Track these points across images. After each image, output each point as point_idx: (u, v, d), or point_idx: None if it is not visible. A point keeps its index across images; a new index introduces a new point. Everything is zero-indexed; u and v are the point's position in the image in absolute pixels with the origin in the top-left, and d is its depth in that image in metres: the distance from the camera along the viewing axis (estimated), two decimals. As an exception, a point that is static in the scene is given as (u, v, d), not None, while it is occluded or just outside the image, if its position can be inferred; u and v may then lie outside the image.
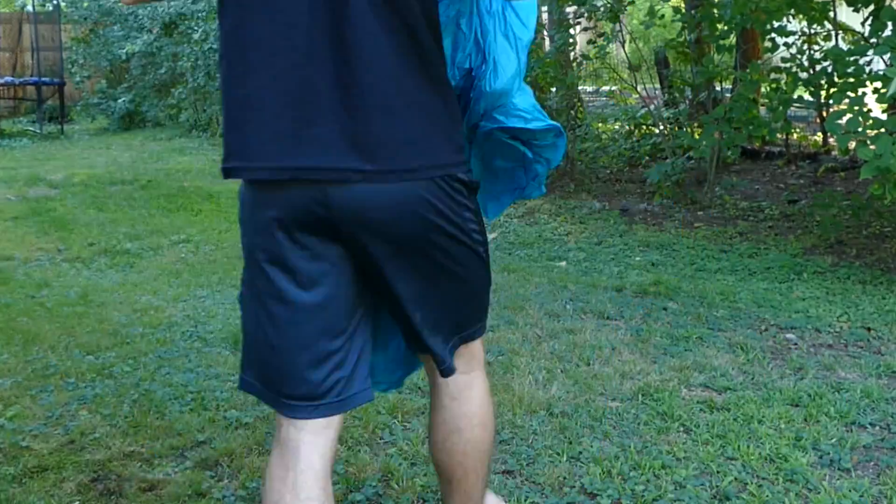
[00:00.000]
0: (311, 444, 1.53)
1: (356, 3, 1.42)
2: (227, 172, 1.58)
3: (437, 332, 1.63)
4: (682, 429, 2.48)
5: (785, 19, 5.47)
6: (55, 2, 15.36)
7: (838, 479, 2.19)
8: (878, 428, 2.50)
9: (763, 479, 2.18)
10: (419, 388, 2.77)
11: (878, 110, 4.66)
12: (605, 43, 7.13)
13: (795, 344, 3.27)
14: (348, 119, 1.44)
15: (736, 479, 2.18)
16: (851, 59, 4.53)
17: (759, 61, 6.70)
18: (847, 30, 6.30)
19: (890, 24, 4.55)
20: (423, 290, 1.58)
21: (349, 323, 1.55)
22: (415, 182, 1.47)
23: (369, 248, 1.50)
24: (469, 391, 1.72)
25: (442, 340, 1.64)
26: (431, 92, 1.50)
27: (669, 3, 8.94)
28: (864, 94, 4.34)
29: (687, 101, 7.83)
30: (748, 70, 5.67)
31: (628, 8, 7.61)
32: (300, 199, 1.47)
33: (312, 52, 1.44)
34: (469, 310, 1.72)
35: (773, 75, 6.03)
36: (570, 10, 7.04)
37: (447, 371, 1.66)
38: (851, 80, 4.44)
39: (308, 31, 1.43)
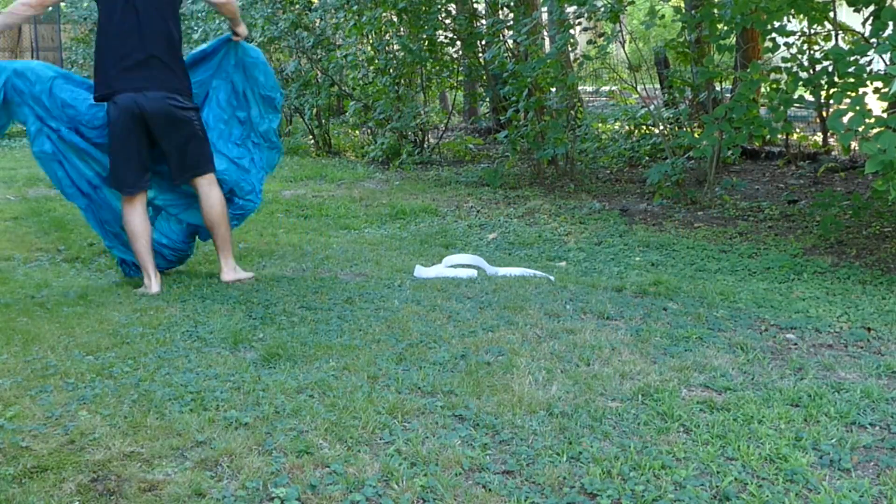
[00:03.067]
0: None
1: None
2: None
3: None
4: (682, 429, 2.48)
5: (785, 19, 5.47)
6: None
7: (838, 479, 2.19)
8: (878, 428, 2.50)
9: (763, 479, 2.18)
10: (419, 388, 2.78)
11: (878, 110, 4.66)
12: (605, 43, 7.13)
13: (795, 344, 3.27)
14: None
15: (736, 479, 2.18)
16: (852, 58, 4.53)
17: (760, 61, 6.70)
18: (847, 30, 6.30)
19: (891, 23, 4.55)
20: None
21: None
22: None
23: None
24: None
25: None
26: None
27: (669, 3, 8.95)
28: (865, 93, 4.34)
29: (687, 101, 7.84)
30: (748, 70, 5.67)
31: (628, 8, 7.61)
32: None
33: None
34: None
35: (773, 75, 6.03)
36: (570, 10, 7.04)
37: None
38: (852, 79, 4.45)
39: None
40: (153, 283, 4.02)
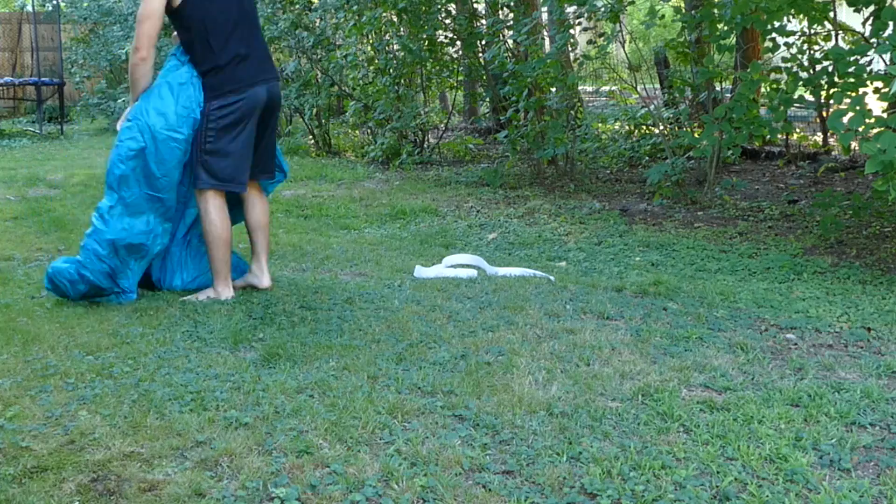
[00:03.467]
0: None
1: None
2: None
3: None
4: (682, 429, 2.48)
5: (785, 19, 5.47)
6: (55, 2, 15.36)
7: (838, 479, 2.19)
8: (878, 428, 2.50)
9: (763, 479, 2.18)
10: (419, 388, 2.78)
11: (878, 110, 4.66)
12: (605, 43, 7.13)
13: (795, 344, 3.27)
14: None
15: (736, 479, 2.18)
16: (852, 58, 4.53)
17: (760, 61, 6.70)
18: (847, 30, 6.30)
19: (891, 23, 4.55)
20: None
21: None
22: None
23: None
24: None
25: None
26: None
27: (669, 3, 8.95)
28: (865, 93, 4.34)
29: (687, 101, 7.84)
30: (748, 70, 5.67)
31: (628, 8, 7.61)
32: None
33: None
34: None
35: (773, 75, 6.03)
36: (570, 10, 7.04)
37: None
38: (852, 79, 4.45)
39: None
40: (229, 292, 3.87)
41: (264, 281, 3.99)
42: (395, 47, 8.98)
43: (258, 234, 4.02)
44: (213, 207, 3.81)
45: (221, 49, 3.78)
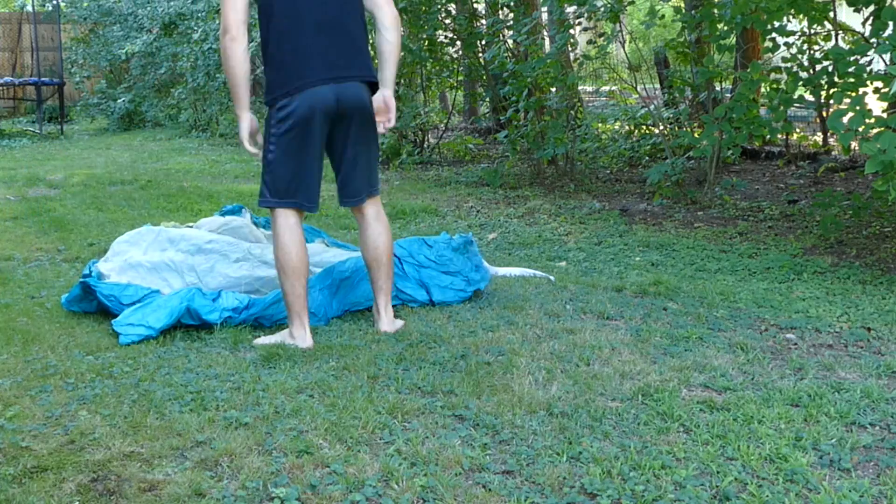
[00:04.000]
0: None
1: None
2: None
3: None
4: (682, 429, 2.48)
5: (785, 19, 5.47)
6: (55, 2, 15.35)
7: (838, 479, 2.19)
8: (878, 428, 2.50)
9: (763, 479, 2.18)
10: (419, 388, 2.78)
11: (878, 110, 4.66)
12: (605, 43, 7.13)
13: (795, 344, 3.27)
14: None
15: (736, 479, 2.18)
16: (852, 58, 4.53)
17: (760, 61, 6.70)
18: (847, 30, 6.30)
19: (891, 23, 4.55)
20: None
21: None
22: None
23: None
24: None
25: None
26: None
27: (669, 3, 8.95)
28: (865, 93, 4.34)
29: (687, 101, 7.84)
30: (748, 70, 5.67)
31: (628, 8, 7.61)
32: None
33: None
34: None
35: (773, 75, 6.03)
36: (570, 10, 7.04)
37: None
38: (852, 79, 4.44)
39: None
40: (306, 335, 3.20)
41: (382, 323, 3.33)
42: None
43: (370, 267, 3.38)
44: (282, 229, 3.19)
45: (279, 41, 3.18)
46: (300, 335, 3.19)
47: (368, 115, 3.26)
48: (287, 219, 3.20)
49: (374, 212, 3.42)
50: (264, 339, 3.25)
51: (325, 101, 3.14)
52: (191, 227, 4.43)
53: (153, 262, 3.82)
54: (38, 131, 12.66)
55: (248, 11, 3.13)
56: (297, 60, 3.15)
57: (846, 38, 6.28)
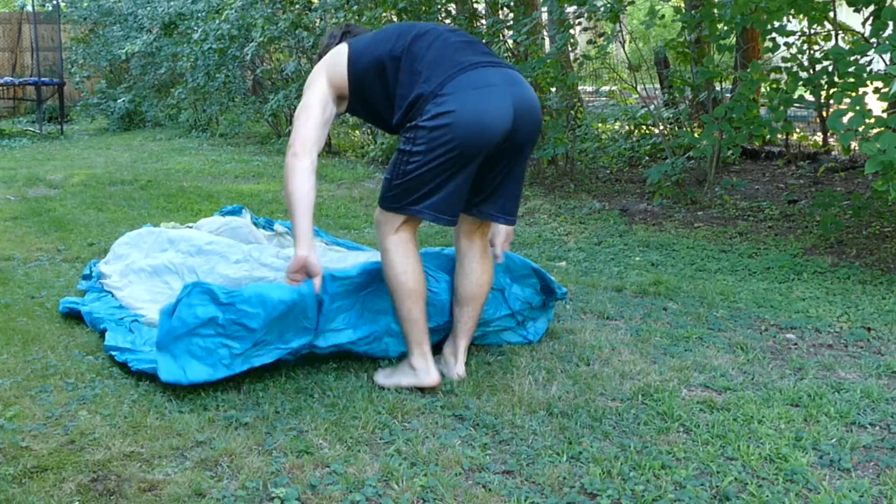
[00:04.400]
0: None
1: None
2: None
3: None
4: (682, 429, 2.48)
5: (785, 19, 5.47)
6: (55, 2, 15.35)
7: (838, 479, 2.19)
8: (878, 428, 2.50)
9: (763, 479, 2.18)
10: (419, 387, 2.77)
11: (878, 110, 4.66)
12: (605, 43, 7.13)
13: (795, 344, 3.27)
14: None
15: (736, 479, 2.18)
16: (852, 58, 4.53)
17: (760, 61, 6.70)
18: (847, 30, 6.30)
19: (891, 23, 4.55)
20: None
21: None
22: None
23: None
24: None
25: None
26: None
27: (669, 3, 8.95)
28: (865, 93, 4.34)
29: (687, 101, 7.84)
30: (748, 70, 5.67)
31: (628, 8, 7.60)
32: None
33: None
34: None
35: (773, 75, 6.03)
36: (570, 10, 7.04)
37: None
38: (852, 79, 4.44)
39: None
40: (431, 368, 2.75)
41: (456, 369, 2.86)
42: (395, 47, 8.97)
43: (464, 308, 2.91)
44: (395, 244, 2.74)
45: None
46: (422, 367, 2.74)
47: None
48: (402, 231, 2.76)
49: (486, 243, 2.95)
50: (386, 379, 2.79)
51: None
52: (190, 227, 4.44)
53: (154, 265, 3.83)
54: (38, 131, 12.66)
55: (322, 131, 2.74)
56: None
57: (846, 38, 6.28)
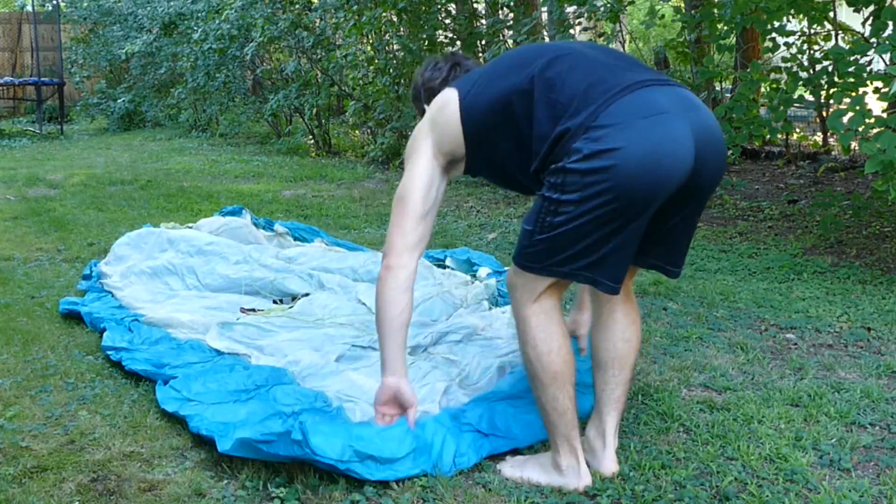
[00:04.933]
0: None
1: None
2: None
3: None
4: (682, 429, 2.48)
5: (785, 19, 5.47)
6: (55, 2, 15.36)
7: (838, 479, 2.19)
8: (878, 428, 2.50)
9: (763, 479, 2.18)
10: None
11: (878, 110, 4.66)
12: (605, 43, 7.13)
13: (795, 344, 3.27)
14: None
15: (736, 479, 2.18)
16: (852, 58, 4.53)
17: (760, 61, 6.70)
18: (847, 30, 6.30)
19: (891, 23, 4.55)
20: None
21: None
22: None
23: None
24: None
25: None
26: None
27: (669, 3, 8.95)
28: (865, 93, 4.34)
29: (687, 101, 7.82)
30: (748, 70, 5.67)
31: (628, 8, 7.60)
32: None
33: None
34: None
35: (773, 75, 6.03)
36: (570, 10, 7.04)
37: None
38: (852, 79, 4.44)
39: None
40: (583, 468, 2.18)
41: (605, 463, 2.24)
42: (395, 47, 8.98)
43: (603, 368, 2.33)
44: (536, 315, 2.17)
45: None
46: (571, 467, 2.18)
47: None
48: (546, 300, 2.17)
49: (631, 288, 2.39)
50: (515, 472, 2.24)
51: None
52: (190, 227, 4.44)
53: (153, 266, 3.83)
54: (38, 131, 12.66)
55: (425, 225, 2.26)
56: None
57: (846, 38, 6.28)
